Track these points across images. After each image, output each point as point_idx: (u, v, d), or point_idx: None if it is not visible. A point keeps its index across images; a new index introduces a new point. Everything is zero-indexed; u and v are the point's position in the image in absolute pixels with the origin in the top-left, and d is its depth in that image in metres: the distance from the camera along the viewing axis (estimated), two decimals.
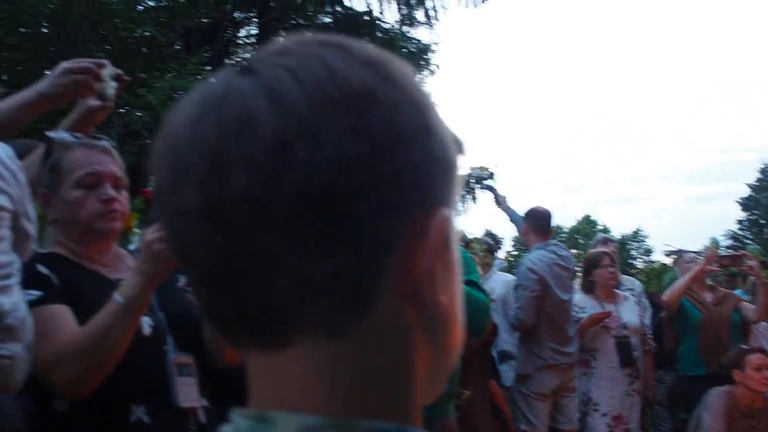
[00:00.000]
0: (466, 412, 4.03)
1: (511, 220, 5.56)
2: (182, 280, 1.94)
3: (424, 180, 0.52)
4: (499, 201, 5.74)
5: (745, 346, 4.63)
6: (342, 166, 0.49)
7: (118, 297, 1.64)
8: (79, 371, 1.61)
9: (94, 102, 1.93)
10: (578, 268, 5.61)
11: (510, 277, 5.43)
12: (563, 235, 40.14)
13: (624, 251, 38.64)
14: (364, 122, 0.50)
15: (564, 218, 70.64)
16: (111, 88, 1.93)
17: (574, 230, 36.57)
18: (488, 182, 5.98)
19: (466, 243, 4.95)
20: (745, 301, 5.45)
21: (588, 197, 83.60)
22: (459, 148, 0.57)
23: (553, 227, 5.27)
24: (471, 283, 2.84)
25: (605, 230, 40.01)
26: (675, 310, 5.31)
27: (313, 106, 0.49)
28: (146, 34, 10.95)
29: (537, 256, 4.93)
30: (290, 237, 0.49)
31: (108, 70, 1.91)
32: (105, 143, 1.92)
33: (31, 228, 1.61)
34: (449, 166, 0.55)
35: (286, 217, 0.49)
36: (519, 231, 5.40)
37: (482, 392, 4.27)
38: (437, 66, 18.69)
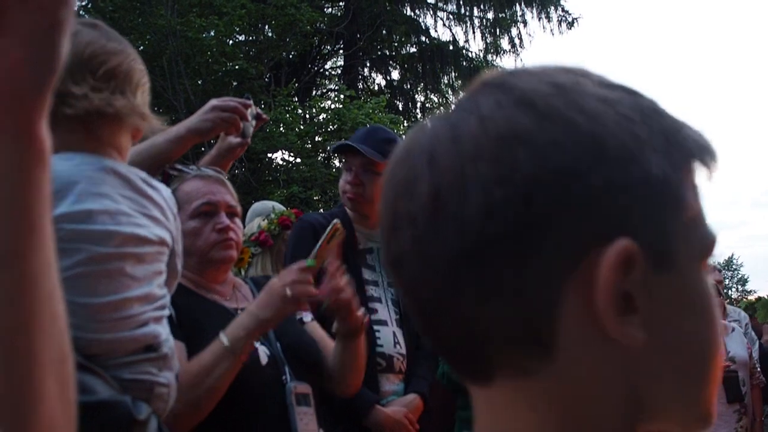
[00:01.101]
0: None
1: None
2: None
3: (590, 213, 0.50)
4: None
5: None
6: (489, 212, 0.49)
7: (223, 338, 1.65)
8: (182, 411, 1.59)
9: (234, 139, 2.01)
10: None
11: None
12: None
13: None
14: (508, 166, 0.49)
15: None
16: (251, 126, 2.00)
17: None
18: None
19: None
20: None
21: None
22: (701, 154, 0.55)
23: None
24: None
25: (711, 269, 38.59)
26: None
27: (463, 157, 0.50)
28: (237, 67, 11.28)
29: None
30: (456, 284, 0.51)
31: (251, 110, 1.98)
32: (219, 174, 1.96)
33: (180, 266, 1.66)
34: (644, 188, 0.51)
35: (448, 266, 0.51)
36: None
37: None
38: None
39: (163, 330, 1.52)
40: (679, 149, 0.54)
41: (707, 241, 0.55)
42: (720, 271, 6.04)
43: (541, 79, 0.53)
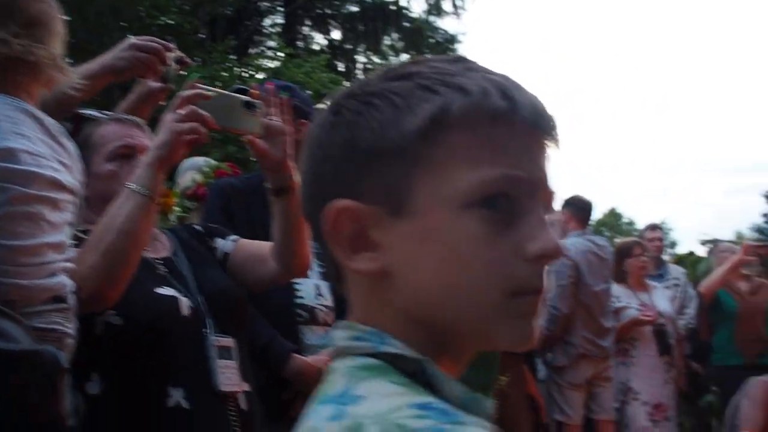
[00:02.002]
0: (504, 401, 3.97)
1: None
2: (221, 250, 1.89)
3: (318, 177, 0.71)
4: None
5: None
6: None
7: (128, 184, 1.59)
8: (100, 263, 1.52)
9: (155, 84, 1.92)
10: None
11: None
12: (590, 226, 39.86)
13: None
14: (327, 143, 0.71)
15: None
16: (173, 71, 1.92)
17: (601, 223, 36.21)
18: None
19: None
20: None
21: (612, 192, 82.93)
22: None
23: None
24: None
25: (631, 223, 39.70)
26: (710, 301, 5.22)
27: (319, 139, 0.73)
28: (170, 22, 10.92)
29: (572, 243, 4.88)
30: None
31: (173, 54, 1.90)
32: (137, 119, 1.87)
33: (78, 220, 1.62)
34: (379, 149, 0.66)
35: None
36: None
37: (519, 381, 4.22)
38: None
39: (69, 282, 1.48)
40: (425, 118, 0.64)
41: (462, 188, 0.64)
42: (660, 229, 6.16)
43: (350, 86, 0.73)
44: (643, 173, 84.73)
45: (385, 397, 0.60)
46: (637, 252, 5.16)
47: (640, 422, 4.91)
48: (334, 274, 0.73)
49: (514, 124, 0.65)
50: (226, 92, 1.73)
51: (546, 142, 0.68)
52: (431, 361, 0.65)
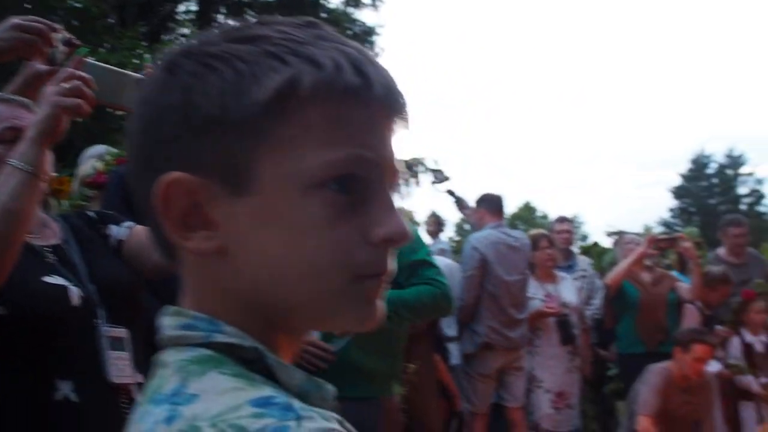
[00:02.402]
0: (413, 390, 4.00)
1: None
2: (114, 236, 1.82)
3: (148, 143, 0.65)
4: (463, 206, 5.74)
5: (697, 333, 4.67)
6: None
7: (10, 161, 1.52)
8: None
9: (41, 66, 1.82)
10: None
11: (450, 261, 5.39)
12: (504, 220, 40.61)
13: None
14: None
15: (506, 206, 71.45)
16: (60, 53, 1.82)
17: (515, 216, 36.96)
18: (446, 184, 5.97)
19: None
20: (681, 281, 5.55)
21: (528, 184, 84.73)
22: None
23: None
24: (423, 263, 2.79)
25: (545, 216, 40.64)
26: (615, 292, 5.39)
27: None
28: (77, 5, 10.52)
29: (484, 236, 5.00)
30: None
31: (60, 35, 1.81)
32: (24, 99, 1.79)
33: None
34: (218, 124, 0.61)
35: None
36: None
37: (429, 370, 4.26)
38: (382, 49, 18.56)
39: None
40: (271, 90, 0.60)
41: (303, 166, 0.61)
42: (569, 221, 6.31)
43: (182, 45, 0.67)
44: (557, 166, 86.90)
45: (222, 395, 0.57)
46: (543, 244, 5.28)
47: (544, 409, 5.05)
48: (165, 254, 0.68)
49: (366, 102, 0.62)
50: (119, 69, 1.68)
51: (396, 121, 0.65)
52: (268, 349, 0.62)
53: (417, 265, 2.74)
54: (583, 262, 6.09)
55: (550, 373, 5.10)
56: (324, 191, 0.61)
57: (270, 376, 0.61)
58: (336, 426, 0.57)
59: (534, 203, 41.50)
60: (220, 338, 0.62)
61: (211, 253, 0.63)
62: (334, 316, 0.65)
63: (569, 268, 5.69)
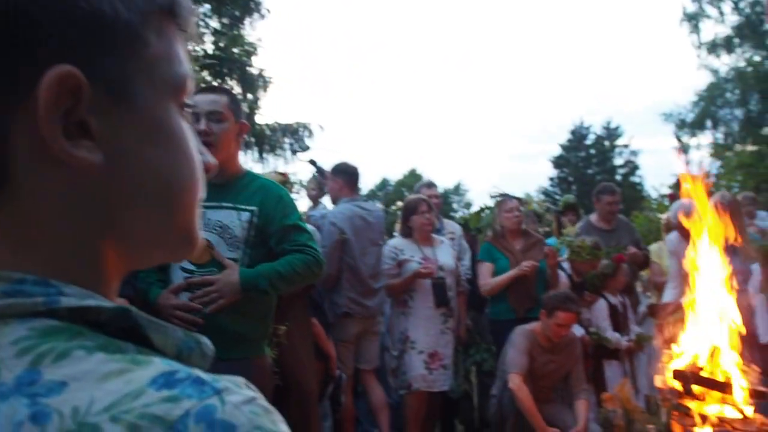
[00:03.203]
0: (286, 351, 3.97)
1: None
2: None
3: (36, 42, 0.52)
4: (325, 176, 5.70)
5: (561, 300, 4.83)
6: None
7: None
8: None
9: None
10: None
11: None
12: (390, 187, 41.02)
13: (446, 204, 40.19)
14: None
15: (391, 172, 72.14)
16: None
17: (400, 183, 37.41)
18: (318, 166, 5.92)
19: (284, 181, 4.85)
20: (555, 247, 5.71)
21: (415, 152, 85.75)
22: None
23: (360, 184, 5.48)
24: (295, 228, 2.77)
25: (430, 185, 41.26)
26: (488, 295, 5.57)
27: None
28: None
29: (340, 210, 5.16)
30: None
31: None
32: None
33: None
34: (94, 24, 0.54)
35: None
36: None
37: (302, 331, 4.24)
38: (268, 10, 18.15)
39: None
40: (157, 2, 0.58)
41: (175, 81, 0.60)
42: (435, 186, 6.37)
43: None
44: (443, 135, 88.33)
45: (105, 380, 0.47)
46: (422, 209, 5.34)
47: (417, 370, 5.14)
48: None
49: (185, 20, 0.62)
50: None
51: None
52: (133, 309, 0.55)
53: (289, 230, 2.75)
54: (450, 225, 6.18)
55: (424, 335, 5.18)
56: (181, 108, 0.61)
57: (131, 337, 0.53)
58: (254, 393, 0.52)
59: (419, 170, 41.98)
60: (67, 302, 0.52)
61: (95, 168, 0.55)
62: (193, 237, 0.62)
63: (437, 231, 5.77)
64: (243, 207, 2.75)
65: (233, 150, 2.85)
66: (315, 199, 5.96)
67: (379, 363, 5.52)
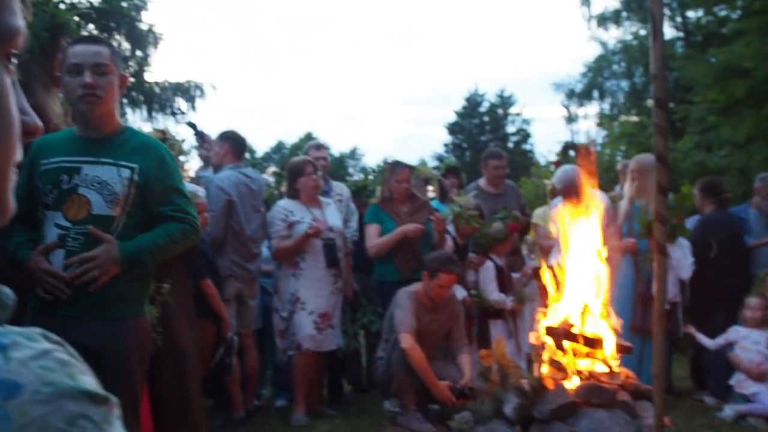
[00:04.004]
0: (168, 311, 3.91)
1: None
2: None
3: None
4: (204, 140, 5.61)
5: (443, 263, 4.95)
6: None
7: None
8: None
9: None
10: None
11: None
12: (285, 151, 40.64)
13: (342, 168, 40.20)
14: None
15: (287, 135, 71.38)
16: None
17: (296, 146, 37.08)
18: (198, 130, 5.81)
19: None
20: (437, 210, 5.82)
21: (312, 115, 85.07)
22: None
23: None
24: (175, 190, 2.74)
25: (326, 147, 41.10)
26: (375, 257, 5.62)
27: None
28: None
29: (226, 176, 5.24)
30: None
31: None
32: None
33: None
34: None
35: None
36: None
37: (182, 291, 4.18)
38: None
39: None
40: None
41: (12, 41, 0.56)
42: (325, 148, 6.37)
43: None
44: (340, 100, 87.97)
45: None
46: (308, 170, 5.36)
47: (306, 330, 5.18)
48: None
49: None
50: None
51: None
52: None
53: (170, 192, 2.71)
54: (339, 186, 6.21)
55: (315, 295, 5.23)
56: (7, 61, 0.58)
57: None
58: (50, 345, 0.48)
59: (315, 134, 41.74)
60: None
61: None
62: (6, 197, 0.58)
63: (325, 193, 5.79)
64: (124, 164, 2.68)
65: (115, 104, 2.78)
66: (206, 160, 5.85)
67: (262, 325, 5.56)
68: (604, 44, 24.02)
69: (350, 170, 42.47)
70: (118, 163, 2.67)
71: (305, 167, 5.42)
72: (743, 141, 13.69)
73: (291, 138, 48.72)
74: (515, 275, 5.96)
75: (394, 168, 5.76)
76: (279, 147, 45.33)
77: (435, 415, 4.93)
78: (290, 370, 5.40)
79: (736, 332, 5.70)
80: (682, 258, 5.84)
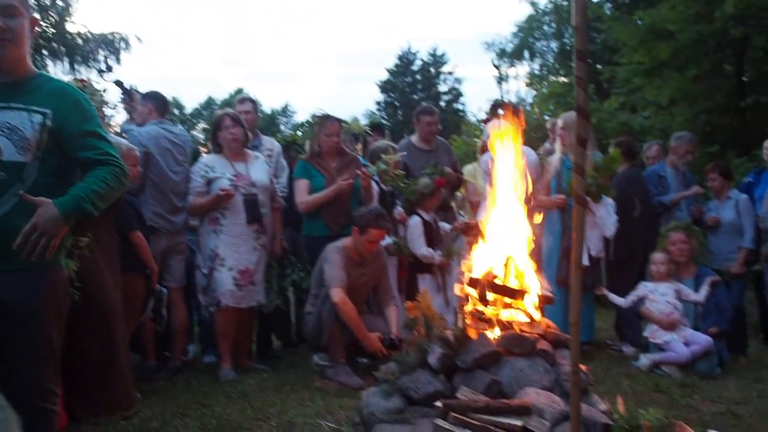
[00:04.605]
0: (92, 265, 3.83)
1: None
2: None
3: None
4: (132, 98, 5.47)
5: (373, 219, 4.96)
6: None
7: None
8: None
9: None
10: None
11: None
12: (215, 107, 39.89)
13: (273, 125, 39.76)
14: None
15: (217, 92, 69.99)
16: None
17: (225, 103, 36.39)
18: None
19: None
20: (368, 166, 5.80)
21: (244, 72, 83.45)
22: None
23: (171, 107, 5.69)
24: (94, 134, 2.63)
25: (257, 104, 40.51)
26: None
27: None
28: None
29: (146, 131, 5.26)
30: None
31: None
32: None
33: None
34: None
35: None
36: None
37: (105, 244, 4.10)
38: None
39: None
40: None
41: None
42: (252, 102, 6.26)
43: None
44: (271, 56, 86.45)
45: None
46: (226, 123, 5.28)
47: (226, 286, 5.14)
48: None
49: None
50: None
51: None
52: None
53: (88, 136, 2.62)
54: (269, 141, 6.13)
55: (234, 251, 5.18)
56: None
57: None
58: None
59: (246, 90, 41.08)
60: None
61: None
62: None
63: (255, 147, 5.71)
64: (35, 108, 2.57)
65: (26, 47, 2.66)
66: (131, 114, 5.69)
67: (188, 282, 5.50)
68: (534, 4, 24.18)
69: (282, 127, 42.03)
70: (29, 108, 2.56)
71: (223, 120, 5.34)
72: (666, 103, 14.05)
73: (222, 94, 47.88)
74: (445, 226, 6.01)
75: (323, 121, 5.70)
76: (209, 103, 44.45)
77: (363, 368, 4.99)
78: (212, 326, 5.38)
79: (644, 287, 5.94)
80: (606, 216, 6.01)
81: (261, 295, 5.37)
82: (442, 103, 35.16)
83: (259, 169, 5.39)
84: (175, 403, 4.36)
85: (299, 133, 6.72)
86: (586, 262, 5.86)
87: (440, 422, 3.04)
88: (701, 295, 5.80)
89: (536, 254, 4.21)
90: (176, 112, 50.38)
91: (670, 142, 7.03)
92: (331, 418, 3.91)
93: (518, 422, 2.99)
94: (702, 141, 12.03)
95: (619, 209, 6.11)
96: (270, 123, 38.38)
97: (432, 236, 5.84)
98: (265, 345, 6.09)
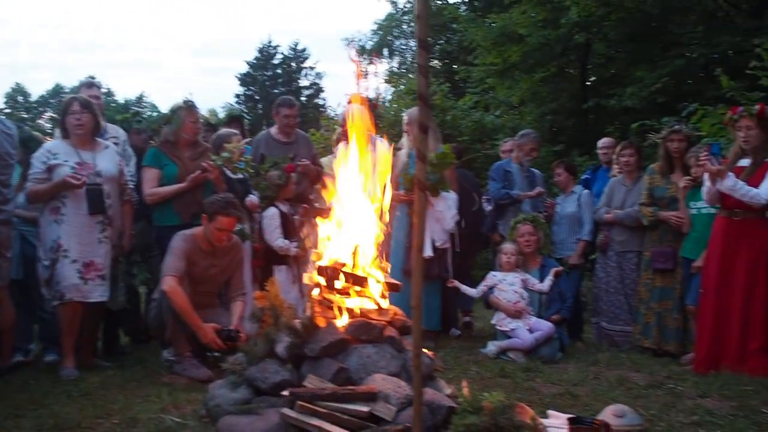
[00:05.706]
0: None
1: None
2: None
3: None
4: None
5: (221, 206, 4.87)
6: None
7: None
8: None
9: None
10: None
11: None
12: (64, 95, 37.88)
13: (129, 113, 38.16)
14: None
15: (67, 79, 66.44)
16: None
17: (75, 90, 34.65)
18: None
19: None
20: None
21: (96, 59, 79.62)
22: None
23: None
24: None
25: (109, 93, 38.79)
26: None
27: None
28: None
29: None
30: None
31: None
32: None
33: None
34: None
35: None
36: None
37: None
38: None
39: None
40: None
41: None
42: (97, 87, 6.00)
43: None
44: (126, 45, 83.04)
45: None
46: (74, 108, 5.04)
47: (70, 280, 4.87)
48: None
49: None
50: None
51: None
52: None
53: None
54: (113, 129, 5.90)
55: (78, 243, 4.91)
56: None
57: None
58: None
59: (98, 78, 39.28)
60: None
61: None
62: None
63: (100, 135, 5.47)
64: None
65: None
66: None
67: (24, 277, 5.20)
68: (394, 3, 24.54)
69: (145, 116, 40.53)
70: None
71: (71, 105, 5.07)
72: (517, 102, 14.63)
73: (71, 81, 45.59)
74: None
75: (191, 108, 5.56)
76: (57, 91, 42.10)
77: (212, 361, 4.88)
78: (56, 321, 5.08)
79: (493, 277, 6.20)
80: (445, 210, 6.21)
81: (108, 290, 5.12)
82: (303, 98, 35.00)
83: (107, 158, 5.15)
84: (9, 404, 4.10)
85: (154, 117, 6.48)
86: (429, 252, 6.05)
87: (287, 411, 3.04)
88: (545, 285, 6.13)
89: (385, 246, 4.27)
90: (21, 99, 47.47)
91: (516, 139, 7.35)
92: (176, 413, 3.80)
93: (365, 408, 3.03)
94: (548, 140, 12.68)
95: (459, 204, 6.36)
96: (123, 112, 36.89)
97: (289, 228, 5.81)
98: (111, 341, 5.85)
